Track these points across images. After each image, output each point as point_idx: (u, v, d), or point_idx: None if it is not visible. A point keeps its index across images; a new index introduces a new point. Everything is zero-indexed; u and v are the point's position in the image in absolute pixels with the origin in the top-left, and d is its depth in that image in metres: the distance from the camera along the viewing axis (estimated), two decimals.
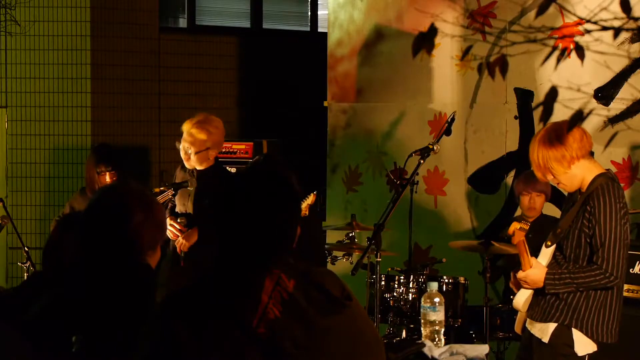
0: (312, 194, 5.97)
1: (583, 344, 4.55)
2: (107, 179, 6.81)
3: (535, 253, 4.71)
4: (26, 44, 9.43)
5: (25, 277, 6.49)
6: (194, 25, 10.61)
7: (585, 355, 4.56)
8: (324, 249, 6.69)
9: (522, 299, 4.78)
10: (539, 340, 4.64)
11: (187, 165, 6.48)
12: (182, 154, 6.45)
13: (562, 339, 4.57)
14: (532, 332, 4.71)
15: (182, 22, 10.66)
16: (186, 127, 6.45)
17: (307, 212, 6.00)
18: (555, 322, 4.59)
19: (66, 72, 9.49)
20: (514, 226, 4.68)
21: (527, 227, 4.66)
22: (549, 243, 4.67)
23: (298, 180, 2.89)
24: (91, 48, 9.51)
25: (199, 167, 6.45)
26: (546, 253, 4.67)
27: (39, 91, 9.50)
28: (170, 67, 10.13)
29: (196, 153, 6.38)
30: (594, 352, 4.58)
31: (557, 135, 4.43)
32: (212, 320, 2.68)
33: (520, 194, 6.60)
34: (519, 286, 4.77)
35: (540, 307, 4.65)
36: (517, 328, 4.93)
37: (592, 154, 4.65)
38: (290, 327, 2.66)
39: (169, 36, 10.19)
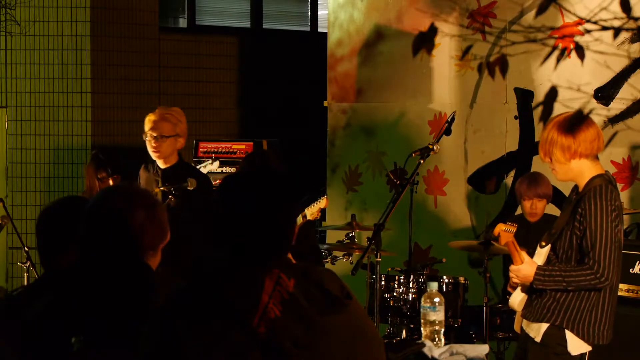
0: (324, 198, 5.95)
1: (576, 343, 4.56)
2: (111, 182, 6.76)
3: (534, 253, 4.71)
4: (26, 44, 9.43)
5: (25, 277, 6.48)
6: (194, 25, 10.61)
7: (578, 355, 4.56)
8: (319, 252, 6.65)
9: (517, 298, 4.79)
10: (533, 340, 4.65)
11: (156, 157, 6.27)
12: (149, 146, 6.26)
13: (554, 338, 4.58)
14: (526, 332, 4.72)
15: (182, 22, 10.66)
16: (150, 117, 6.31)
17: (318, 215, 5.98)
18: (547, 322, 4.60)
19: (66, 72, 9.49)
20: (499, 227, 4.69)
21: (513, 229, 4.66)
22: (544, 243, 4.67)
23: (295, 179, 2.89)
24: (91, 48, 9.51)
25: (164, 163, 6.31)
26: (541, 253, 4.68)
27: (39, 91, 9.50)
28: (170, 67, 10.13)
29: (167, 137, 6.22)
30: (593, 352, 4.58)
31: (574, 126, 4.40)
32: (212, 320, 2.68)
33: (522, 198, 6.58)
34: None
35: (533, 307, 4.66)
36: (516, 327, 4.94)
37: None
38: (290, 327, 2.66)
39: (169, 36, 10.19)
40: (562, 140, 4.49)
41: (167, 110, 6.38)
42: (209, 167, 7.21)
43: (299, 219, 5.82)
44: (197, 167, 7.11)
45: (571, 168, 4.53)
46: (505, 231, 4.65)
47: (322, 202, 5.89)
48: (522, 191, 6.57)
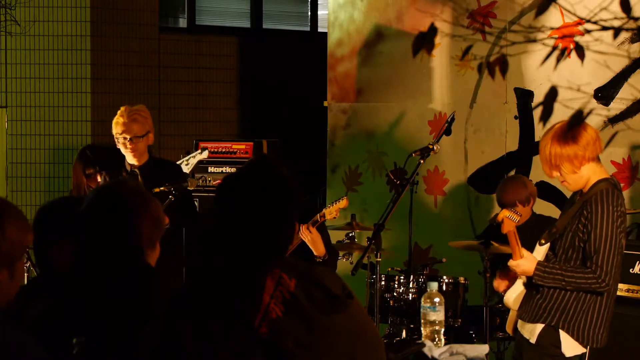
0: (344, 198, 5.96)
1: (570, 345, 4.55)
2: (99, 179, 6.75)
3: (528, 251, 4.71)
4: (26, 44, 9.43)
5: (26, 277, 6.47)
6: (194, 25, 10.61)
7: (573, 357, 4.56)
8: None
9: (512, 296, 4.79)
10: (528, 341, 4.65)
11: (133, 156, 6.28)
12: (124, 148, 6.27)
13: (549, 339, 4.58)
14: (521, 332, 4.71)
15: (182, 22, 10.66)
16: (118, 120, 6.31)
17: (337, 215, 6.01)
18: (542, 322, 4.59)
19: (66, 72, 9.49)
20: (503, 213, 4.69)
21: (517, 217, 4.65)
22: (543, 241, 4.67)
23: (295, 180, 2.89)
24: (91, 48, 9.50)
25: (139, 161, 6.31)
26: (540, 251, 4.68)
27: (39, 91, 9.50)
28: (170, 67, 10.13)
29: (140, 137, 6.24)
30: (593, 353, 4.58)
31: (573, 133, 4.39)
32: (214, 320, 2.68)
33: None
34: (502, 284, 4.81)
35: (529, 308, 4.66)
36: (508, 328, 4.94)
37: None
38: (292, 327, 2.66)
39: (169, 36, 10.19)
40: (567, 150, 4.46)
41: (134, 110, 6.38)
42: (198, 156, 7.27)
43: (317, 218, 5.84)
44: (187, 157, 7.17)
45: (581, 175, 4.51)
46: (508, 218, 4.65)
47: (342, 203, 5.91)
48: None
